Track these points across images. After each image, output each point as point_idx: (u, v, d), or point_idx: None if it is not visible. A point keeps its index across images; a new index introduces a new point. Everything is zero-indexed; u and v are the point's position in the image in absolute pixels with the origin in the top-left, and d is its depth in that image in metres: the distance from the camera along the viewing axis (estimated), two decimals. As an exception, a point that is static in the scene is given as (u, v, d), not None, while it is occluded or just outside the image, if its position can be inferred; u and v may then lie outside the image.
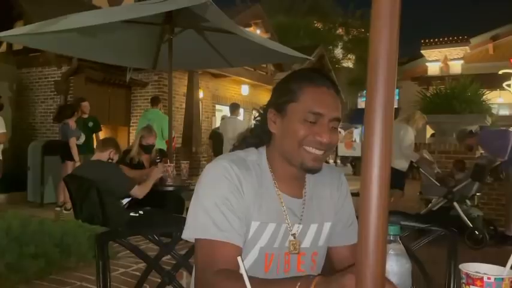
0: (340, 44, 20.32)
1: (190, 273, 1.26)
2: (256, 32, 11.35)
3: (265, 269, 1.09)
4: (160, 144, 5.34)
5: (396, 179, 5.08)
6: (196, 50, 4.59)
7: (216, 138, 8.03)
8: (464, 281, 0.75)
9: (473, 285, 0.74)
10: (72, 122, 5.97)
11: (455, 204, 4.81)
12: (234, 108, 7.75)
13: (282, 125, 1.09)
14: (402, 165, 5.01)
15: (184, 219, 1.13)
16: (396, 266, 0.83)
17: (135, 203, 3.47)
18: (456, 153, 5.69)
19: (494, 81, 13.95)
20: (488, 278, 0.72)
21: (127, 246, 1.27)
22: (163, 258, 1.33)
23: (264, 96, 12.23)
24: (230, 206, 1.03)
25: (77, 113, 6.17)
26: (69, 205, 5.50)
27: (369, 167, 0.68)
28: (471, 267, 0.76)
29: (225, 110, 10.76)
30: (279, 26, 15.22)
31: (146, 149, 4.14)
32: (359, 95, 21.32)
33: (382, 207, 0.67)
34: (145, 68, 6.34)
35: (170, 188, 3.81)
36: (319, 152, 1.06)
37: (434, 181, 5.13)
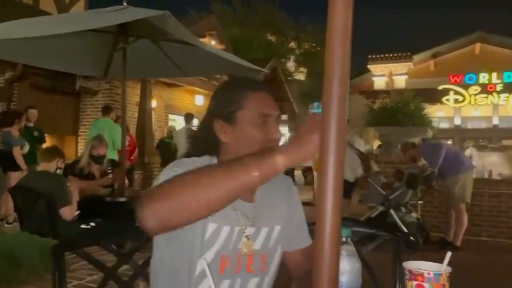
0: (292, 57, 20.84)
1: (148, 282, 1.26)
2: (211, 43, 11.40)
3: (220, 270, 1.11)
4: (111, 154, 5.21)
5: (345, 188, 5.30)
6: (150, 59, 4.56)
7: (164, 148, 7.95)
8: (407, 277, 0.84)
9: (415, 280, 0.83)
10: (14, 131, 5.65)
11: (391, 211, 5.12)
12: (189, 118, 7.71)
13: (234, 134, 1.13)
14: (350, 174, 5.26)
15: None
16: (348, 265, 0.89)
17: (84, 215, 3.37)
18: (401, 163, 6.02)
19: (435, 96, 14.88)
20: (428, 274, 0.82)
21: (84, 256, 1.25)
22: (120, 269, 1.33)
23: (218, 107, 12.23)
24: None
25: (19, 121, 5.82)
26: (11, 218, 5.20)
27: (324, 176, 0.75)
28: (414, 265, 0.85)
29: (179, 120, 10.66)
30: (233, 38, 15.36)
31: (97, 159, 4.05)
32: (310, 107, 21.89)
33: (336, 212, 0.75)
34: (96, 76, 6.18)
35: (122, 199, 3.74)
36: None
37: (380, 190, 5.43)
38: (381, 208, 5.28)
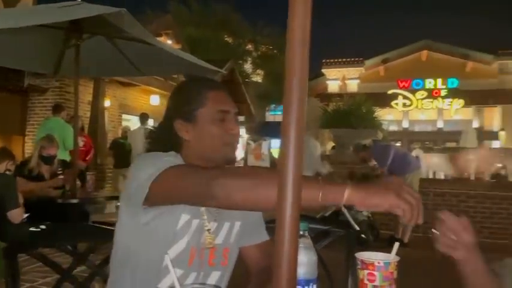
0: (249, 59, 20.95)
1: (105, 282, 1.26)
2: (167, 42, 11.24)
3: (189, 263, 1.14)
4: (62, 155, 5.02)
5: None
6: (105, 57, 4.44)
7: (118, 148, 7.76)
8: (359, 266, 0.90)
9: (366, 269, 0.89)
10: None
11: (343, 209, 5.32)
12: (144, 118, 7.57)
13: (195, 131, 1.18)
14: (307, 175, 5.39)
15: (100, 228, 1.14)
16: (305, 257, 0.94)
17: (34, 217, 3.23)
18: (353, 164, 6.25)
19: (384, 100, 15.55)
20: (378, 263, 0.88)
21: (39, 258, 1.22)
22: (75, 270, 1.31)
23: (174, 107, 12.07)
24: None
25: None
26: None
27: (284, 173, 0.80)
28: (365, 256, 0.91)
29: (134, 120, 10.42)
30: (189, 37, 15.21)
31: (47, 160, 3.90)
32: (267, 109, 22.13)
33: (295, 208, 0.79)
34: (46, 72, 5.92)
35: (74, 201, 3.62)
36: (235, 144, 1.21)
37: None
38: (334, 207, 5.46)
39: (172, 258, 1.10)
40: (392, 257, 0.90)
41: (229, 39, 20.14)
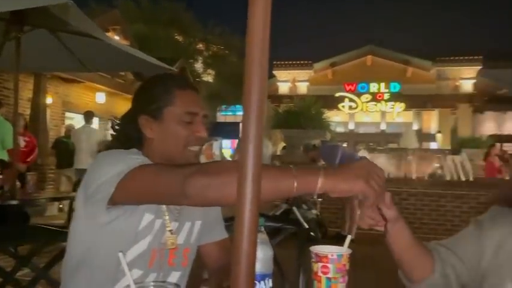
0: (200, 58, 20.77)
1: (52, 285, 1.20)
2: (114, 38, 10.88)
3: (149, 264, 1.12)
4: (1, 154, 4.71)
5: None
6: (48, 51, 4.22)
7: (61, 148, 7.41)
8: (313, 259, 0.93)
9: (320, 262, 0.92)
10: None
11: (294, 208, 5.45)
12: (89, 116, 7.28)
13: (160, 130, 1.15)
14: None
15: (44, 229, 1.09)
16: (261, 252, 0.95)
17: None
18: (303, 164, 6.40)
19: (332, 102, 16.05)
20: (332, 255, 0.91)
21: (-22, 260, 1.15)
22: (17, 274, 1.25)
23: (122, 105, 11.71)
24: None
25: None
26: None
27: (244, 171, 0.81)
28: (319, 249, 0.94)
29: (78, 119, 9.97)
30: (138, 34, 14.81)
31: (-17, 159, 3.65)
32: (218, 109, 22.05)
33: (254, 206, 0.81)
34: (-19, 66, 5.51)
35: (14, 202, 3.41)
36: (198, 148, 1.19)
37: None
38: (284, 206, 5.56)
39: (132, 259, 1.09)
40: (344, 249, 0.94)
41: (179, 38, 19.85)
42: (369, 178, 0.86)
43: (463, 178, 7.47)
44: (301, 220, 5.32)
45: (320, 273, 0.91)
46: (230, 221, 1.45)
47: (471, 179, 7.51)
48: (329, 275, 0.91)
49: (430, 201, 6.55)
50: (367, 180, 0.86)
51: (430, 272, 1.06)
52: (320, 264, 0.92)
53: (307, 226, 5.33)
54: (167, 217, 1.15)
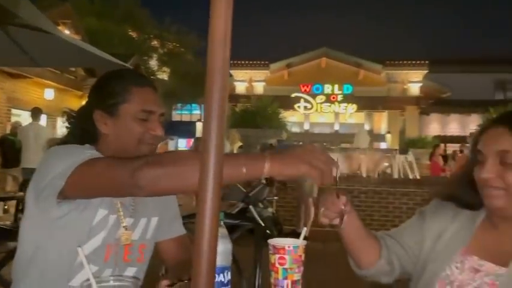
0: (155, 55, 20.39)
1: (3, 285, 1.17)
2: (65, 32, 10.44)
3: (105, 258, 1.12)
4: None
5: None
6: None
7: (7, 146, 7.05)
8: (271, 251, 0.97)
9: (277, 253, 0.96)
10: None
11: (250, 207, 5.52)
12: (36, 113, 6.96)
13: (115, 126, 1.15)
14: None
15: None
16: (221, 246, 0.98)
17: None
18: (259, 163, 6.47)
19: (288, 103, 16.30)
20: (288, 247, 0.95)
21: None
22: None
23: (73, 102, 11.27)
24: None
25: None
26: None
27: (205, 170, 0.84)
28: (276, 241, 0.98)
29: (25, 116, 9.49)
30: (90, 29, 14.31)
31: None
32: (173, 107, 21.74)
33: (216, 200, 0.84)
34: None
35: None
36: (154, 146, 1.19)
37: (241, 187, 5.77)
38: (241, 205, 5.60)
39: (87, 255, 1.07)
40: (300, 241, 0.99)
41: (133, 34, 19.38)
42: (312, 160, 0.88)
43: (410, 176, 7.87)
44: (257, 218, 5.39)
45: (277, 264, 0.95)
46: (188, 219, 1.47)
47: (418, 177, 7.93)
48: (285, 266, 0.95)
49: (379, 198, 6.84)
50: (310, 162, 0.88)
51: (378, 258, 1.15)
52: (277, 255, 0.95)
53: (263, 224, 5.42)
54: (121, 213, 1.15)
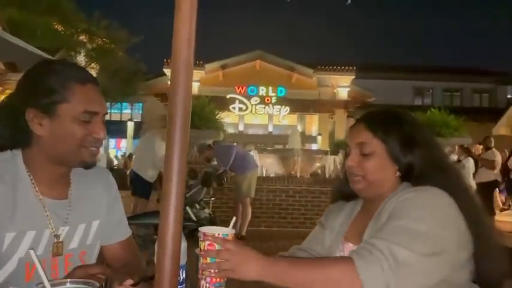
0: (83, 51, 19.34)
1: None
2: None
3: (26, 279, 1.03)
4: None
5: (145, 189, 5.38)
6: None
7: None
8: (201, 238, 0.99)
9: (207, 240, 0.99)
10: None
11: (187, 208, 5.49)
12: None
13: (52, 128, 1.04)
14: (152, 175, 5.34)
15: None
16: None
17: None
18: (196, 163, 6.43)
19: (223, 103, 16.31)
20: (218, 234, 0.99)
21: None
22: None
23: (-11, 99, 10.31)
24: None
25: None
26: None
27: (169, 168, 0.86)
28: (206, 229, 1.01)
29: None
30: (10, 20, 13.21)
31: None
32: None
33: (179, 201, 0.86)
34: None
35: None
36: (96, 149, 1.10)
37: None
38: None
39: (4, 279, 1.00)
40: (229, 230, 1.02)
41: (59, 27, 18.22)
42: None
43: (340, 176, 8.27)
44: (194, 218, 5.36)
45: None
46: (132, 220, 1.44)
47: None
48: (214, 249, 0.98)
49: (312, 197, 7.13)
50: None
51: None
52: (207, 242, 0.98)
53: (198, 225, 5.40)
54: (52, 224, 1.07)
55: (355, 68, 18.94)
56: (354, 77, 19.04)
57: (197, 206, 5.76)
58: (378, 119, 1.21)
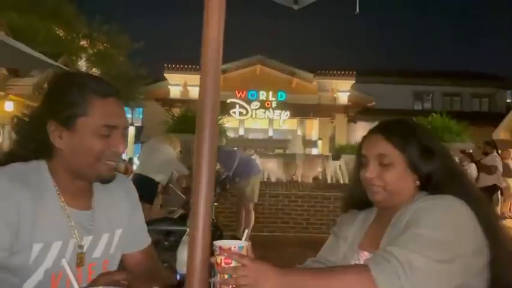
0: (84, 56, 19.39)
1: None
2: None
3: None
4: None
5: (150, 193, 5.39)
6: None
7: None
8: (217, 252, 1.00)
9: (223, 254, 0.99)
10: None
11: (190, 212, 5.48)
12: None
13: (71, 141, 1.04)
14: (162, 178, 5.37)
15: None
16: None
17: None
18: (199, 168, 6.42)
19: (224, 108, 16.34)
20: (234, 247, 1.00)
21: None
22: None
23: (-8, 104, 10.31)
24: None
25: None
26: None
27: (199, 176, 0.87)
28: (221, 243, 1.02)
29: None
30: (11, 25, 13.25)
31: None
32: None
33: (207, 203, 0.88)
34: None
35: None
36: (114, 163, 1.10)
37: (181, 194, 5.70)
38: (181, 211, 5.53)
39: None
40: (244, 242, 1.04)
41: (60, 32, 18.27)
42: None
43: (342, 181, 8.28)
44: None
45: (223, 264, 0.99)
46: (150, 225, 1.46)
47: (348, 182, 8.35)
48: (232, 265, 0.98)
49: (315, 202, 7.13)
50: None
51: None
52: (223, 256, 0.99)
53: None
54: (76, 234, 1.07)
55: (355, 72, 18.99)
56: (354, 81, 19.09)
57: None
58: (395, 129, 1.22)
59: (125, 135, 1.10)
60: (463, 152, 7.82)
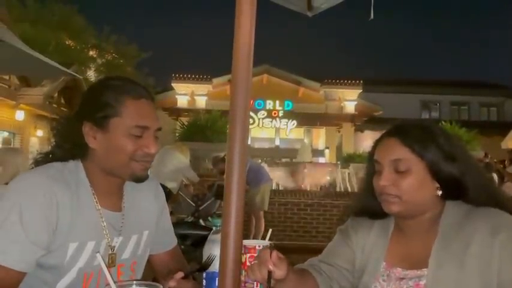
0: (92, 66, 19.65)
1: None
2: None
3: (83, 287, 1.06)
4: None
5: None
6: None
7: None
8: (242, 251, 1.02)
9: (248, 253, 1.04)
10: None
11: (200, 220, 5.50)
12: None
13: (104, 141, 1.06)
14: (173, 187, 5.41)
15: None
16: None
17: None
18: (209, 176, 6.46)
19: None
20: (259, 246, 1.04)
21: None
22: None
23: (5, 113, 10.47)
24: (21, 227, 0.96)
25: None
26: None
27: (230, 181, 0.90)
28: (246, 242, 1.05)
29: None
30: (23, 36, 13.49)
31: None
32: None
33: (240, 207, 0.91)
34: None
35: None
36: (147, 164, 1.11)
37: (190, 201, 5.72)
38: (191, 219, 5.55)
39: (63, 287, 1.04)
40: (267, 242, 1.08)
41: (70, 43, 18.55)
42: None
43: (350, 189, 8.27)
44: (211, 227, 5.38)
45: (248, 263, 1.02)
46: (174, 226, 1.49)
47: (357, 190, 8.32)
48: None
49: (324, 211, 7.11)
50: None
51: None
52: (248, 255, 1.03)
53: None
54: (108, 235, 1.10)
55: (362, 81, 19.01)
56: (360, 90, 19.10)
57: (210, 218, 5.77)
58: (413, 132, 1.09)
59: (157, 137, 1.12)
60: (480, 160, 7.65)
